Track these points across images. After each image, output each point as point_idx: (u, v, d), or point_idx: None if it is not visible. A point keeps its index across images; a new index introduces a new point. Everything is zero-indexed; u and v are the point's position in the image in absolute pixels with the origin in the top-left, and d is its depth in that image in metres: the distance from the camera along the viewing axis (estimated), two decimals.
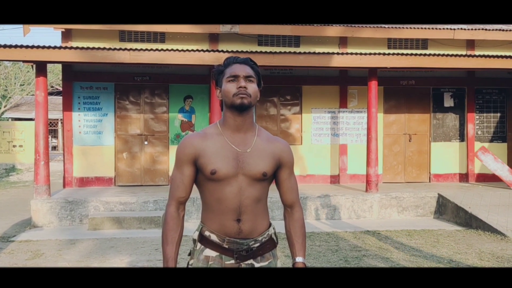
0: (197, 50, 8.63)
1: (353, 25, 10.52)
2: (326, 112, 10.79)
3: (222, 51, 8.65)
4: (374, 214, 9.03)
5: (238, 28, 10.22)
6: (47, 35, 77.58)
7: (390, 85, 10.85)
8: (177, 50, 8.48)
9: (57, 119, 26.94)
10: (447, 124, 11.19)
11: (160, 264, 5.56)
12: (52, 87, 26.04)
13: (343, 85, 10.78)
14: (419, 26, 10.83)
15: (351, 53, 9.02)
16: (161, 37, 10.55)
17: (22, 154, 18.65)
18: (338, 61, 8.92)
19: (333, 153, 10.83)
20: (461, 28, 10.98)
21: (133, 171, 10.24)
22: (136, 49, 8.35)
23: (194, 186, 2.19)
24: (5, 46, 7.89)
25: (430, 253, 6.25)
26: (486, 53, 10.41)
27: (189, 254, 2.21)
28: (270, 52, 8.85)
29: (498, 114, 11.35)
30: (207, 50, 8.65)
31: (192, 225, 6.53)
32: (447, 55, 9.11)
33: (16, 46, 7.92)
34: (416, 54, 9.05)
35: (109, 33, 10.25)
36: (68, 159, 9.97)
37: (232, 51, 8.65)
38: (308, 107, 10.73)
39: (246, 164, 2.09)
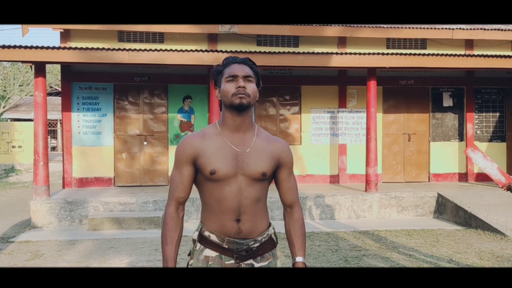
0: (196, 50, 8.63)
1: (352, 25, 10.53)
2: (325, 112, 10.80)
3: (221, 51, 8.66)
4: (374, 214, 9.03)
5: (237, 28, 10.23)
6: (45, 35, 77.55)
7: (389, 85, 10.86)
8: (176, 50, 8.48)
9: (56, 120, 26.92)
10: (446, 123, 11.19)
11: (160, 264, 5.56)
12: (51, 87, 26.04)
13: (342, 85, 10.78)
14: (418, 26, 10.84)
15: (350, 53, 9.02)
16: (160, 37, 10.55)
17: (21, 155, 18.64)
18: (337, 61, 8.93)
19: (333, 153, 10.83)
20: (460, 28, 10.99)
21: (132, 171, 10.23)
22: (135, 50, 8.34)
23: (194, 186, 2.19)
24: (3, 46, 7.89)
25: (430, 253, 6.26)
26: (484, 52, 10.41)
27: (189, 254, 2.21)
28: (269, 52, 8.85)
29: (497, 114, 11.36)
30: (206, 50, 8.65)
31: (192, 225, 6.53)
32: (446, 54, 9.12)
33: (15, 47, 7.91)
34: (415, 54, 9.06)
35: (108, 34, 10.24)
36: (68, 160, 9.97)
37: (231, 51, 8.65)
38: (307, 107, 10.74)
39: (245, 164, 2.09)
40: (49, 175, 8.69)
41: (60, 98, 11.99)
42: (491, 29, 11.11)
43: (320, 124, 10.77)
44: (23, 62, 9.04)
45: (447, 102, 11.14)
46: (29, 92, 26.25)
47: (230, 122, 2.12)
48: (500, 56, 9.20)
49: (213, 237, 2.11)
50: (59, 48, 8.28)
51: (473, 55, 9.46)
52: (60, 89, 13.32)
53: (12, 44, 7.93)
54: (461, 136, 11.21)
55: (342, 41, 10.95)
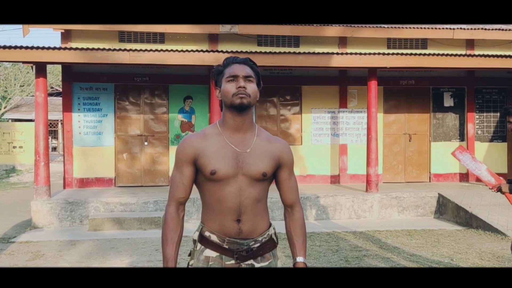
0: (197, 50, 8.63)
1: (352, 25, 10.52)
2: (326, 112, 10.79)
3: (222, 51, 8.66)
4: (375, 214, 9.03)
5: (237, 29, 10.23)
6: (46, 36, 77.62)
7: (390, 85, 10.86)
8: (176, 50, 8.49)
9: (57, 120, 26.94)
10: (447, 123, 11.19)
11: (160, 265, 5.56)
12: (52, 88, 26.05)
13: (342, 85, 10.78)
14: (419, 26, 10.83)
15: (351, 53, 9.02)
16: (160, 38, 10.56)
17: (22, 155, 18.66)
18: (338, 61, 8.92)
19: (333, 153, 10.83)
20: (461, 28, 10.98)
21: (133, 171, 10.24)
22: (135, 50, 8.35)
23: (194, 186, 2.19)
24: (4, 47, 7.89)
25: (431, 253, 6.25)
26: (485, 52, 10.41)
27: (189, 255, 2.21)
28: (270, 52, 8.85)
29: (498, 114, 11.35)
30: (206, 51, 8.65)
31: (192, 226, 6.53)
32: (447, 54, 9.11)
33: (15, 47, 7.92)
34: (415, 54, 9.05)
35: (109, 34, 10.25)
36: (68, 160, 9.98)
37: (231, 52, 8.65)
38: (308, 107, 10.73)
39: (245, 164, 2.08)
40: (50, 175, 8.70)
41: (61, 98, 12.01)
42: (492, 29, 11.10)
43: (320, 124, 10.77)
44: (24, 62, 9.05)
45: (448, 102, 11.13)
46: (30, 93, 26.26)
47: (230, 122, 2.12)
48: (501, 56, 9.19)
49: (214, 238, 2.11)
50: (60, 48, 8.29)
51: (474, 55, 9.45)
52: (61, 90, 13.34)
53: (13, 45, 7.94)
54: (462, 136, 11.21)
55: (342, 41, 10.95)
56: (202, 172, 2.09)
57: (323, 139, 10.79)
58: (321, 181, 10.78)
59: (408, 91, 11.01)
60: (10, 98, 26.61)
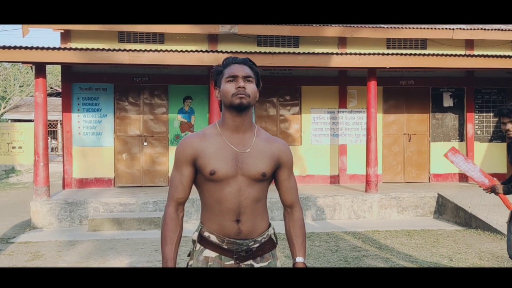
0: (196, 50, 8.63)
1: (352, 25, 10.53)
2: (325, 113, 10.80)
3: (221, 51, 8.66)
4: (374, 214, 9.03)
5: (237, 29, 10.23)
6: (46, 36, 77.59)
7: (389, 85, 10.86)
8: (176, 51, 8.49)
9: (57, 121, 26.94)
10: (446, 124, 11.19)
11: (159, 265, 5.56)
12: (51, 88, 26.05)
13: (342, 85, 10.78)
14: (418, 26, 10.84)
15: (350, 53, 9.02)
16: (160, 38, 10.56)
17: (22, 156, 18.65)
18: (337, 61, 8.93)
19: (333, 153, 10.83)
20: (460, 28, 10.99)
21: (132, 172, 10.23)
22: (135, 50, 8.34)
23: (194, 187, 2.19)
24: (4, 47, 7.89)
25: (430, 253, 6.25)
26: (485, 53, 10.41)
27: (189, 255, 2.21)
28: (269, 53, 8.85)
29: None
30: (206, 51, 8.65)
31: (192, 226, 6.53)
32: (446, 55, 9.11)
33: (15, 47, 7.91)
34: (415, 54, 9.05)
35: (108, 34, 10.25)
36: (68, 160, 9.97)
37: (231, 52, 8.65)
38: (307, 107, 10.74)
39: (245, 165, 2.08)
40: (49, 175, 8.69)
41: (60, 98, 12.00)
42: (491, 29, 11.11)
43: (320, 124, 10.77)
44: (23, 62, 9.04)
45: (447, 102, 11.13)
46: (29, 93, 26.26)
47: (230, 123, 2.12)
48: (500, 56, 9.20)
49: (213, 238, 2.11)
50: (59, 48, 8.29)
51: (473, 55, 9.46)
52: (60, 90, 13.33)
53: (13, 45, 7.94)
54: (461, 137, 11.21)
55: (342, 42, 10.95)
56: (202, 172, 2.09)
57: (322, 139, 10.79)
58: (321, 181, 10.78)
59: (407, 91, 11.01)
60: (9, 99, 26.61)
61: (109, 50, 8.25)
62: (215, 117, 8.89)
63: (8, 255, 6.35)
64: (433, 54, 9.11)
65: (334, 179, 10.80)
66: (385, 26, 10.73)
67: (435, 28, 10.91)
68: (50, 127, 26.31)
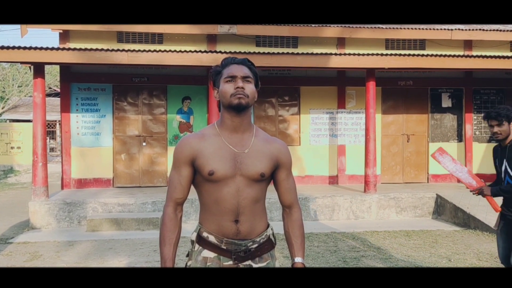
0: (195, 51, 8.63)
1: (351, 26, 10.54)
2: (324, 113, 10.80)
3: (220, 52, 8.65)
4: (373, 214, 9.03)
5: (236, 29, 10.23)
6: (44, 36, 77.53)
7: (388, 86, 10.87)
8: (175, 51, 8.48)
9: (55, 121, 26.91)
10: (445, 124, 11.20)
11: (158, 265, 5.55)
12: (50, 88, 26.02)
13: (341, 85, 10.79)
14: (417, 26, 10.85)
15: (349, 54, 9.02)
16: (159, 38, 10.55)
17: (20, 156, 18.62)
18: (336, 62, 8.93)
19: (332, 153, 10.83)
20: (459, 29, 11.00)
21: (131, 172, 10.23)
22: (134, 50, 8.34)
23: (192, 187, 2.19)
24: (2, 47, 7.88)
25: (429, 254, 6.26)
26: (483, 53, 10.43)
27: (187, 255, 2.20)
28: (268, 53, 8.85)
29: None
30: (205, 51, 8.65)
31: (191, 227, 6.52)
32: (445, 55, 9.12)
33: (14, 47, 7.90)
34: (413, 55, 9.06)
35: (107, 34, 10.25)
36: (66, 161, 9.96)
37: (230, 52, 8.64)
38: (306, 108, 10.74)
39: (243, 165, 2.08)
40: (48, 176, 8.68)
41: (59, 99, 11.99)
42: (490, 30, 11.13)
43: (319, 125, 10.77)
44: (22, 63, 9.03)
45: (446, 102, 11.14)
46: (28, 93, 26.23)
47: (228, 123, 2.12)
48: (499, 57, 9.21)
49: (212, 238, 2.10)
50: (58, 49, 8.28)
51: (472, 56, 9.47)
52: (59, 90, 13.32)
53: (11, 45, 7.93)
54: (460, 137, 11.22)
55: (341, 42, 10.96)
56: (200, 172, 2.09)
57: (321, 139, 10.79)
58: (320, 182, 10.78)
59: (406, 91, 11.02)
60: (8, 99, 26.57)
61: (107, 50, 8.25)
62: (214, 118, 8.89)
63: (6, 256, 6.34)
64: (432, 55, 9.12)
65: (333, 180, 10.81)
66: (384, 26, 10.74)
67: (433, 29, 10.93)
68: (48, 128, 26.29)
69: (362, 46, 10.89)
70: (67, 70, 9.98)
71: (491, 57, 9.19)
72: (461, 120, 11.22)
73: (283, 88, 10.66)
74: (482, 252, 6.29)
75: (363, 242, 6.93)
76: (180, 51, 8.50)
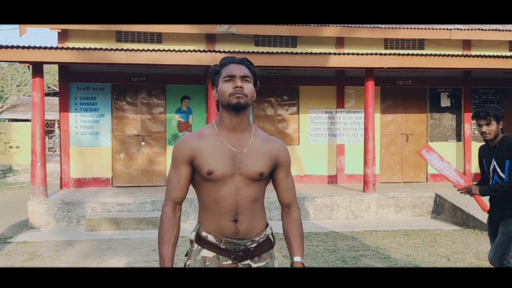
0: (194, 50, 8.62)
1: (350, 25, 10.54)
2: (323, 112, 10.80)
3: (219, 51, 8.65)
4: (372, 214, 9.04)
5: (235, 29, 10.22)
6: (43, 36, 77.40)
7: (387, 85, 10.87)
8: (174, 50, 8.48)
9: (54, 120, 26.88)
10: (444, 124, 11.21)
11: (157, 265, 5.55)
12: (48, 87, 25.99)
13: (340, 85, 10.79)
14: (416, 26, 10.86)
15: (348, 53, 9.02)
16: (157, 38, 10.54)
17: (19, 155, 18.60)
18: (335, 61, 8.93)
19: (331, 153, 10.83)
20: (458, 29, 11.01)
21: (130, 171, 10.22)
22: (132, 50, 8.33)
23: (191, 187, 2.19)
24: (1, 46, 7.87)
25: (428, 253, 6.26)
26: (482, 53, 10.44)
27: (186, 255, 2.20)
28: (267, 53, 8.85)
29: None
30: (204, 51, 8.65)
31: (190, 226, 6.53)
32: (444, 55, 9.13)
33: (12, 47, 7.89)
34: (412, 54, 9.07)
35: (106, 34, 10.24)
36: (65, 160, 9.95)
37: (229, 52, 8.64)
38: (305, 107, 10.74)
39: (242, 164, 2.08)
40: (47, 175, 8.67)
41: (57, 98, 11.98)
42: (489, 30, 11.13)
43: (318, 124, 10.78)
44: (20, 62, 9.02)
45: (445, 102, 11.15)
46: (26, 93, 26.20)
47: (227, 122, 2.12)
48: (498, 57, 9.22)
49: (211, 238, 2.10)
50: (56, 48, 8.27)
51: (471, 56, 9.48)
52: (57, 90, 13.30)
53: (10, 44, 7.92)
54: (458, 137, 11.23)
55: (340, 42, 10.96)
56: (199, 172, 2.09)
57: (320, 139, 10.79)
58: (318, 181, 10.78)
59: (405, 91, 11.03)
60: (6, 98, 26.54)
61: (106, 49, 8.24)
62: (213, 117, 8.89)
63: (5, 255, 6.34)
64: (431, 54, 9.12)
65: (332, 179, 10.81)
66: (383, 26, 10.75)
67: (432, 29, 10.93)
68: (47, 127, 26.26)
69: (361, 46, 10.89)
70: (65, 70, 9.97)
71: (490, 56, 9.20)
72: (460, 119, 11.23)
73: (282, 87, 10.66)
74: (481, 251, 6.30)
75: (362, 241, 6.94)
76: (179, 50, 8.49)
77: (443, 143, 11.11)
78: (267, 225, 2.22)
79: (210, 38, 10.55)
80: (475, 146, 11.22)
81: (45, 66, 9.65)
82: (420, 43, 11.32)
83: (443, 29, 10.96)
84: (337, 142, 10.82)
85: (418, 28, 10.85)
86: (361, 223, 8.48)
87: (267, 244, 2.19)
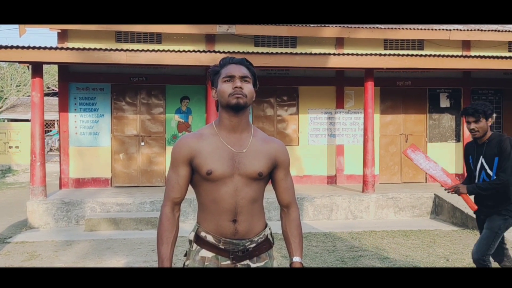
0: (194, 50, 8.62)
1: (349, 26, 10.55)
2: (322, 113, 10.81)
3: (219, 51, 8.65)
4: (371, 214, 9.04)
5: (234, 29, 10.23)
6: (43, 36, 77.39)
7: (387, 86, 10.87)
8: (173, 50, 8.48)
9: (54, 120, 26.88)
10: (443, 124, 11.22)
11: (156, 265, 5.55)
12: (48, 88, 25.98)
13: (339, 85, 10.79)
14: (415, 26, 10.87)
15: (348, 54, 9.03)
16: (157, 38, 10.55)
17: (18, 155, 18.59)
18: (335, 62, 8.94)
19: (330, 153, 10.84)
20: (457, 29, 11.02)
21: (129, 172, 10.22)
22: (132, 50, 8.33)
23: (190, 187, 2.19)
24: (1, 46, 7.86)
25: (427, 253, 6.26)
26: (481, 53, 10.44)
27: (185, 255, 2.20)
28: (267, 53, 8.85)
29: (494, 115, 11.39)
30: (203, 51, 8.65)
31: (188, 226, 6.52)
32: (443, 55, 9.14)
33: (12, 47, 7.89)
34: (412, 55, 9.07)
35: (105, 34, 10.24)
36: (64, 160, 9.95)
37: (228, 52, 8.64)
38: (304, 107, 10.74)
39: (241, 164, 2.09)
40: (46, 175, 8.67)
41: (57, 98, 11.97)
42: (488, 30, 11.14)
43: (317, 124, 10.78)
44: (20, 62, 9.02)
45: (444, 103, 11.16)
46: (26, 93, 26.19)
47: (226, 123, 2.12)
48: (497, 57, 9.22)
49: (210, 238, 2.11)
50: (56, 48, 8.27)
51: (470, 56, 9.49)
52: (57, 90, 13.31)
53: (9, 45, 7.91)
54: (458, 137, 11.24)
55: (339, 42, 10.97)
56: (198, 172, 2.09)
57: (319, 139, 10.80)
58: (318, 182, 10.79)
59: (404, 92, 11.03)
60: (6, 98, 26.53)
61: (106, 50, 8.24)
62: (212, 117, 8.89)
63: (4, 255, 6.34)
64: (430, 55, 9.13)
65: (331, 180, 10.81)
66: (382, 26, 10.75)
67: (432, 29, 10.94)
68: (46, 127, 26.25)
69: (361, 46, 10.89)
70: (65, 70, 9.97)
71: (489, 57, 9.21)
72: (459, 120, 11.23)
73: (282, 88, 10.66)
74: None
75: (361, 242, 6.94)
76: (179, 51, 8.50)
77: (443, 143, 11.11)
78: (266, 225, 2.22)
79: (210, 39, 10.56)
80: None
81: (44, 66, 9.65)
82: (419, 44, 11.33)
83: (443, 29, 10.97)
84: (336, 142, 10.83)
85: (417, 29, 10.86)
86: (360, 224, 8.48)
87: (266, 245, 2.19)
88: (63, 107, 9.98)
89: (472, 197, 4.09)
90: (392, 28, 10.76)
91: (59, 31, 10.08)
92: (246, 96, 2.08)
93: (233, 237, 2.09)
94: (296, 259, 2.18)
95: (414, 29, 10.84)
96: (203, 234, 2.12)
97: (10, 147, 18.70)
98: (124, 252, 6.46)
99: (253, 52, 8.91)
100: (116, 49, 8.30)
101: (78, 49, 8.23)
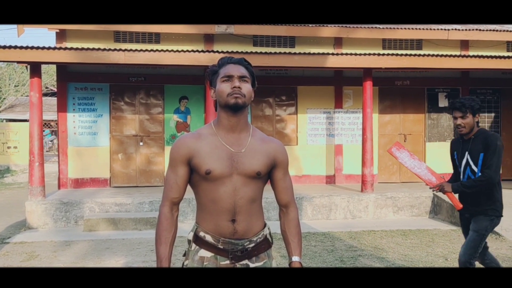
0: (192, 50, 8.62)
1: (348, 26, 10.55)
2: (321, 113, 10.81)
3: (217, 51, 8.65)
4: (370, 214, 9.04)
5: (233, 29, 10.23)
6: (41, 36, 77.33)
7: (385, 86, 10.88)
8: (172, 50, 8.47)
9: (52, 120, 26.84)
10: (441, 124, 11.23)
11: (155, 265, 5.55)
12: (46, 88, 25.97)
13: (338, 85, 10.80)
14: (414, 26, 10.88)
15: (346, 54, 9.03)
16: (156, 38, 10.54)
17: (17, 156, 18.57)
18: (333, 62, 8.94)
19: (329, 153, 10.84)
20: (455, 29, 11.03)
21: (128, 172, 10.21)
22: (131, 50, 8.33)
23: (189, 187, 2.19)
24: None
25: (425, 253, 6.27)
26: (480, 53, 10.46)
27: (184, 255, 2.20)
28: (265, 53, 8.85)
29: (492, 114, 11.40)
30: (202, 51, 8.65)
31: (188, 226, 6.53)
32: (441, 55, 9.15)
33: (10, 47, 7.88)
34: (410, 55, 9.08)
35: (104, 34, 10.23)
36: (63, 160, 9.94)
37: (227, 52, 8.64)
38: (303, 107, 10.75)
39: (240, 164, 2.09)
40: (45, 175, 8.66)
41: (55, 98, 11.97)
42: (487, 30, 11.16)
43: (316, 124, 10.78)
44: (18, 62, 9.00)
45: (443, 102, 11.17)
46: (24, 93, 26.17)
47: (225, 122, 2.12)
48: (495, 57, 9.23)
49: (208, 238, 2.11)
50: (54, 48, 8.26)
51: (469, 56, 9.50)
52: (55, 90, 13.30)
53: (8, 45, 7.90)
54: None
55: (338, 42, 10.97)
56: (197, 172, 2.09)
57: (318, 139, 10.80)
58: (317, 181, 10.79)
59: (403, 91, 11.04)
60: (4, 98, 26.51)
61: (104, 49, 8.23)
62: (211, 117, 8.89)
63: (3, 255, 6.33)
64: (429, 55, 9.14)
65: (330, 179, 10.82)
66: (381, 26, 10.76)
67: (430, 29, 10.95)
68: (45, 127, 26.21)
69: (359, 46, 10.90)
70: (64, 70, 9.95)
71: (487, 57, 9.22)
72: None
73: (281, 87, 10.66)
74: None
75: (360, 241, 6.94)
76: (178, 50, 8.49)
77: (441, 143, 11.12)
78: (265, 225, 2.22)
79: (208, 38, 10.55)
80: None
81: (43, 66, 9.66)
82: (418, 44, 11.34)
83: (441, 29, 10.98)
84: (335, 142, 10.83)
85: (416, 29, 10.87)
86: (359, 223, 8.49)
87: (265, 244, 2.20)
88: (62, 107, 9.97)
89: (457, 196, 4.04)
90: (390, 28, 10.77)
91: (58, 31, 10.07)
92: (244, 96, 2.08)
93: (232, 237, 2.09)
94: (295, 258, 2.18)
95: (412, 29, 10.85)
96: (202, 234, 2.12)
97: (8, 147, 18.68)
98: (123, 252, 6.46)
99: (251, 52, 8.92)
100: (115, 49, 8.29)
101: (77, 49, 8.23)
